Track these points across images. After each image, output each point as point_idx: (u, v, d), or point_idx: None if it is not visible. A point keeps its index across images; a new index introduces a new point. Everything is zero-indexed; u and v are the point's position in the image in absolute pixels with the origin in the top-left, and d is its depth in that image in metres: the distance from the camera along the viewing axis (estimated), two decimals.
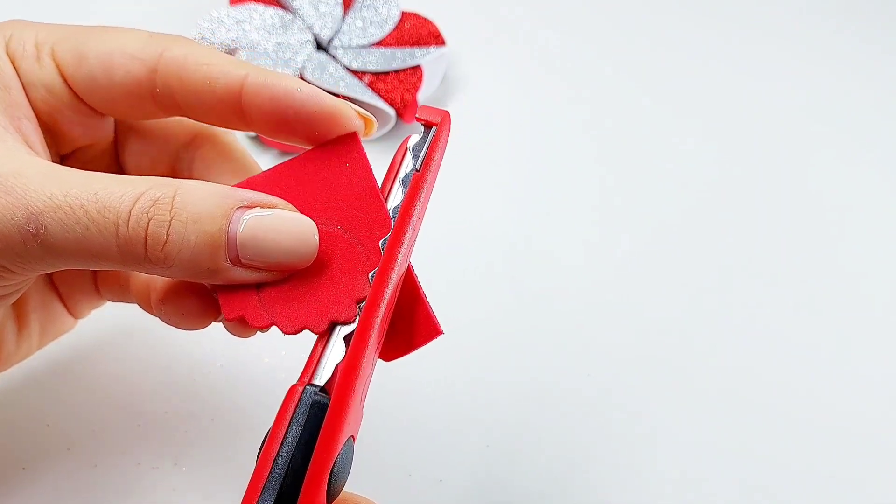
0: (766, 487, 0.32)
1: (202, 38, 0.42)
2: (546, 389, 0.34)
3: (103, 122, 0.26)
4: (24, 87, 0.24)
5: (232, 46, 0.42)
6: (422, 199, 0.23)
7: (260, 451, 0.20)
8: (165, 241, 0.21)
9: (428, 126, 0.24)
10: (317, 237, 0.22)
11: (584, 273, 0.38)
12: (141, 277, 0.26)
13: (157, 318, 0.25)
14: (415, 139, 0.24)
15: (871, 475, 0.33)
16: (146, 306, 0.27)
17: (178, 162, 0.27)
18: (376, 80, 0.42)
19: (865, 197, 0.43)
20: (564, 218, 0.41)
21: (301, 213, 0.23)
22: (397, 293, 0.23)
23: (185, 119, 0.27)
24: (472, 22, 0.49)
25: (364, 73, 0.42)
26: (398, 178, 0.24)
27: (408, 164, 0.24)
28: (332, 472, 0.20)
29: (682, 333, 0.36)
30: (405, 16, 0.45)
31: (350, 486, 0.30)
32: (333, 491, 0.20)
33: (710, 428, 0.34)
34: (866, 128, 0.46)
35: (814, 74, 0.49)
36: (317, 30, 0.44)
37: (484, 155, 0.43)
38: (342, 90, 0.41)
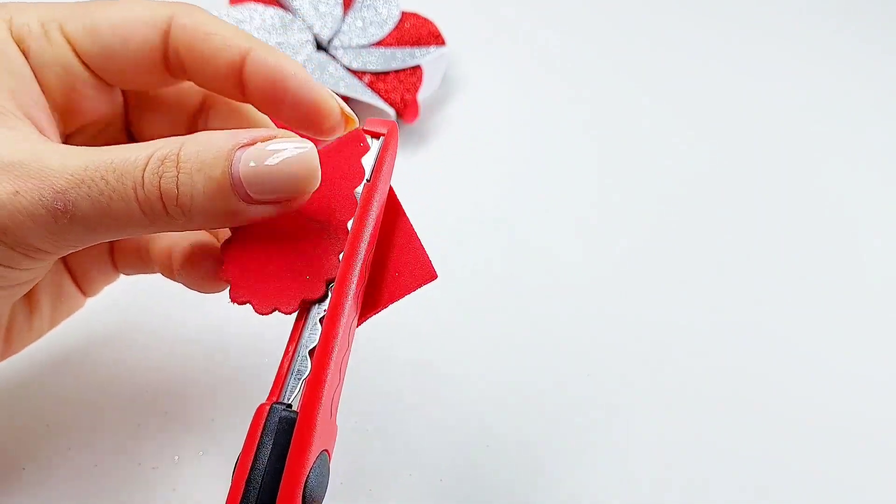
0: (767, 487, 0.32)
1: None
2: (546, 389, 0.34)
3: (114, 96, 0.27)
4: (35, 69, 0.24)
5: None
6: (374, 209, 0.24)
7: (233, 472, 0.21)
8: (178, 195, 0.21)
9: (375, 137, 0.25)
10: (317, 157, 0.23)
11: (584, 272, 0.38)
12: (162, 245, 0.27)
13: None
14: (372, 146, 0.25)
15: (872, 475, 0.33)
16: (168, 273, 0.27)
17: (193, 127, 0.28)
18: (376, 80, 0.42)
19: (865, 196, 0.43)
20: (564, 216, 0.41)
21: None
22: (364, 283, 0.23)
23: (194, 84, 0.27)
24: (472, 22, 0.49)
25: (364, 73, 0.42)
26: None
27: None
28: (305, 487, 0.20)
29: (683, 332, 0.36)
30: (405, 16, 0.45)
31: (350, 486, 0.30)
32: None
33: (710, 427, 0.34)
34: (866, 127, 0.46)
35: (813, 74, 0.49)
36: (317, 30, 0.44)
37: (484, 154, 0.43)
38: (342, 90, 0.41)
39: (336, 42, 0.44)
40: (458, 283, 0.37)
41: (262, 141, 0.22)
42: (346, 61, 0.43)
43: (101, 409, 0.32)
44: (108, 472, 0.30)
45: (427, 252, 0.24)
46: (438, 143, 0.43)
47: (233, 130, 0.23)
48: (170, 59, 0.25)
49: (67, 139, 0.27)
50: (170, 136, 0.27)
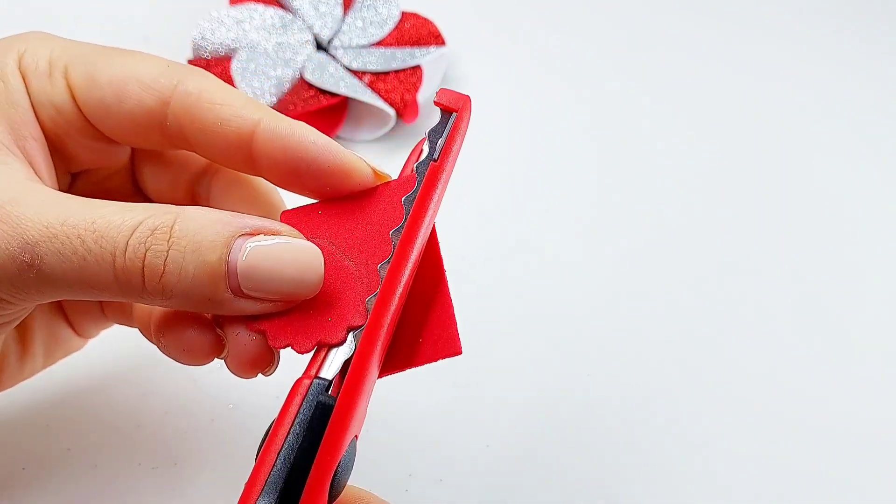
0: (767, 486, 0.32)
1: (202, 37, 0.42)
2: (546, 389, 0.34)
3: (114, 148, 0.25)
4: (33, 105, 0.23)
5: (232, 46, 0.42)
6: (438, 191, 0.21)
7: (260, 446, 0.20)
8: (163, 272, 0.20)
9: (447, 111, 0.22)
10: (322, 265, 0.21)
11: (584, 272, 0.38)
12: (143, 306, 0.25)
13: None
14: (432, 124, 0.22)
15: (872, 475, 0.33)
16: (147, 335, 0.25)
17: (196, 186, 0.26)
18: (376, 80, 0.42)
19: (865, 196, 0.43)
20: (564, 217, 0.41)
21: (313, 239, 0.22)
22: (405, 297, 0.22)
23: None
24: (472, 22, 0.49)
25: (364, 73, 0.42)
26: (411, 165, 0.23)
27: (424, 151, 0.22)
28: (335, 473, 0.19)
29: (683, 332, 0.36)
30: (405, 16, 0.45)
31: (350, 486, 0.30)
32: (336, 491, 0.20)
33: (710, 427, 0.34)
34: (866, 128, 0.46)
35: (813, 74, 0.49)
36: (317, 30, 0.44)
37: (484, 154, 0.43)
38: (342, 90, 0.41)
39: (336, 42, 0.44)
40: (457, 283, 0.37)
41: (266, 234, 0.21)
42: (346, 61, 0.43)
43: (101, 409, 0.32)
44: (108, 472, 0.30)
45: (457, 325, 0.22)
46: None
47: (236, 214, 0.21)
48: (169, 127, 0.23)
49: (74, 178, 0.26)
50: (171, 190, 0.26)
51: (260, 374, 0.23)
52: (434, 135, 0.22)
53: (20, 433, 0.31)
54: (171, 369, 0.33)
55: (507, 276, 0.38)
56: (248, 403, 0.32)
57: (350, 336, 0.21)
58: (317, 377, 0.20)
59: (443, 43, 0.44)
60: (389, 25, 0.44)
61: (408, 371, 0.22)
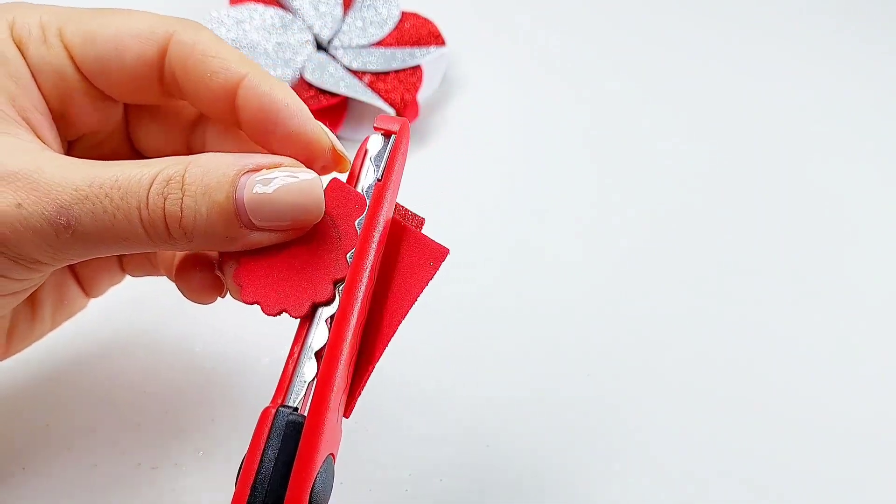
0: (767, 486, 0.32)
1: None
2: (545, 389, 0.34)
3: (113, 106, 0.26)
4: (33, 73, 0.24)
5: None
6: (384, 210, 0.23)
7: (238, 475, 0.20)
8: (181, 217, 0.21)
9: (387, 135, 0.24)
10: (323, 190, 0.23)
11: (584, 272, 0.38)
12: (166, 251, 0.27)
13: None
14: (374, 146, 0.24)
15: (872, 474, 0.33)
16: (171, 277, 0.27)
17: (192, 137, 0.27)
18: (376, 80, 0.42)
19: (865, 196, 0.43)
20: (564, 217, 0.41)
21: None
22: (372, 288, 0.23)
23: None
24: (472, 22, 0.49)
25: (364, 73, 0.42)
26: (359, 187, 0.24)
27: (368, 173, 0.24)
28: (312, 491, 0.20)
29: (682, 332, 0.36)
30: (405, 16, 0.45)
31: (350, 486, 0.30)
32: None
33: (710, 427, 0.34)
34: (866, 127, 0.46)
35: (813, 74, 0.49)
36: (317, 30, 0.44)
37: (484, 155, 0.43)
38: (342, 90, 0.41)
39: (336, 42, 0.44)
40: (457, 283, 0.37)
41: (268, 168, 0.22)
42: (346, 61, 0.43)
43: (101, 409, 0.32)
44: (108, 472, 0.30)
45: (430, 237, 0.24)
46: (438, 143, 0.43)
47: (238, 154, 0.22)
48: (165, 77, 0.24)
49: (70, 145, 0.26)
50: (167, 146, 0.27)
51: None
52: (377, 158, 0.24)
53: (20, 433, 0.31)
54: (171, 369, 0.33)
55: (506, 275, 0.38)
56: (248, 404, 0.32)
57: (336, 291, 0.22)
58: (282, 405, 0.21)
59: (443, 43, 0.44)
60: (389, 25, 0.44)
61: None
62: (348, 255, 0.23)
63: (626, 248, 0.40)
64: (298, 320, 0.23)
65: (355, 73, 0.42)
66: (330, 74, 0.42)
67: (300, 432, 0.20)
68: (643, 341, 0.36)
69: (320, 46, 0.44)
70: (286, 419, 0.21)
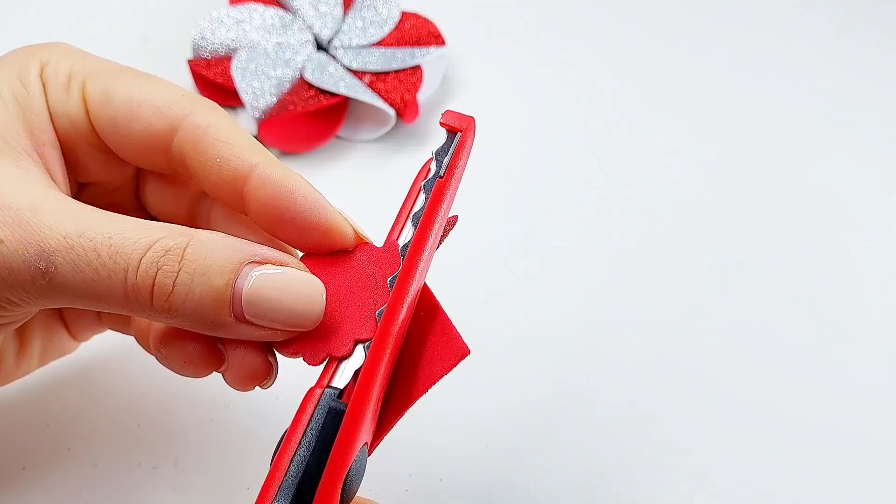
0: (768, 485, 0.32)
1: (202, 37, 0.42)
2: (546, 389, 0.34)
3: (122, 165, 0.26)
4: (49, 114, 0.24)
5: (232, 46, 0.42)
6: (444, 206, 0.22)
7: (275, 453, 0.20)
8: (171, 292, 0.21)
9: (452, 131, 0.23)
10: (324, 300, 0.22)
11: (584, 272, 0.38)
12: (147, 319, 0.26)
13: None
14: (438, 144, 0.23)
15: (872, 474, 0.33)
16: (145, 345, 0.26)
17: (198, 207, 0.27)
18: (376, 80, 0.42)
19: (867, 196, 0.43)
20: (565, 217, 0.41)
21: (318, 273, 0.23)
22: (412, 311, 0.22)
23: None
24: (472, 22, 0.49)
25: (364, 73, 0.42)
26: (420, 183, 0.23)
27: (431, 170, 0.23)
28: (346, 478, 0.20)
29: (684, 332, 0.36)
30: (405, 16, 0.45)
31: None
32: (346, 497, 0.20)
33: (711, 426, 0.34)
34: (868, 127, 0.46)
35: (813, 74, 0.49)
36: (317, 30, 0.44)
37: (483, 154, 0.43)
38: (342, 90, 0.41)
39: (336, 42, 0.44)
40: (457, 284, 0.37)
41: (273, 264, 0.22)
42: (346, 61, 0.43)
43: (101, 409, 0.32)
44: (108, 472, 0.30)
45: (457, 330, 0.23)
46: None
47: (245, 241, 0.22)
48: (173, 154, 0.24)
49: (81, 188, 0.26)
50: (172, 207, 0.27)
51: (258, 388, 0.24)
52: (440, 154, 0.23)
53: (20, 433, 0.31)
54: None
55: (507, 276, 0.38)
56: (248, 403, 0.32)
57: (359, 348, 0.22)
58: (328, 386, 0.21)
59: (443, 43, 0.44)
60: (389, 25, 0.44)
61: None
62: (389, 280, 0.22)
63: (626, 249, 0.40)
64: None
65: (355, 73, 0.42)
66: (330, 74, 0.41)
67: (340, 419, 0.20)
68: (644, 341, 0.36)
69: (320, 46, 0.44)
70: (329, 405, 0.21)
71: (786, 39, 0.51)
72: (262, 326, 0.22)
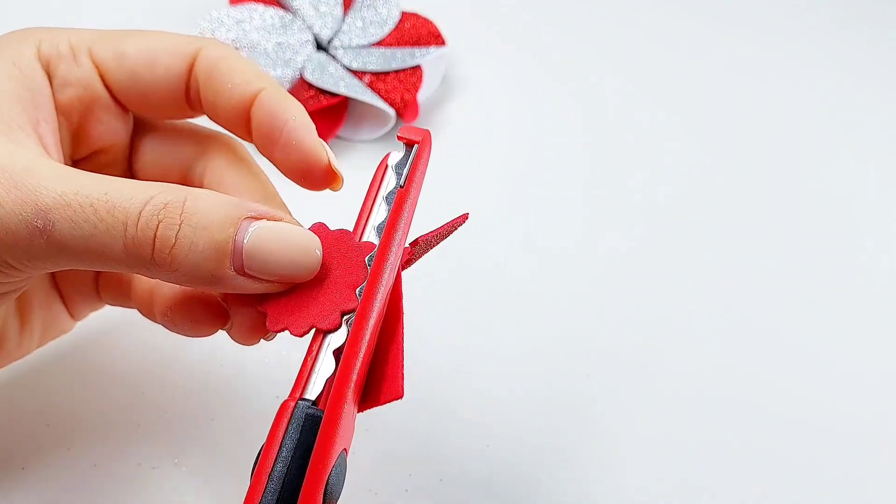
0: (769, 486, 0.32)
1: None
2: (546, 389, 0.34)
3: (126, 124, 0.27)
4: (57, 89, 0.25)
5: (232, 46, 0.42)
6: (405, 215, 0.23)
7: (254, 466, 0.21)
8: (174, 245, 0.21)
9: (409, 144, 0.24)
10: (319, 251, 0.23)
11: (584, 272, 0.38)
12: (144, 284, 0.27)
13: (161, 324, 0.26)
14: (395, 157, 0.25)
15: (872, 474, 0.33)
16: (148, 313, 0.27)
17: (189, 172, 0.27)
18: (376, 80, 0.42)
19: (869, 196, 0.43)
20: (565, 216, 0.41)
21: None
22: (381, 319, 0.23)
23: (199, 128, 0.27)
24: (472, 22, 0.49)
25: (364, 73, 0.42)
26: (380, 195, 0.24)
27: (390, 182, 0.25)
28: (327, 485, 0.20)
29: (685, 333, 0.36)
30: (405, 16, 0.45)
31: (350, 485, 0.30)
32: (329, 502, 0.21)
33: (711, 426, 0.34)
34: (869, 127, 0.46)
35: (813, 73, 0.49)
36: (317, 30, 0.44)
37: (483, 155, 0.43)
38: (342, 90, 0.41)
39: (336, 42, 0.44)
40: (457, 284, 0.37)
41: (269, 219, 0.22)
42: (346, 61, 0.43)
43: (101, 409, 0.32)
44: (108, 472, 0.30)
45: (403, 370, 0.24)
46: (438, 144, 0.42)
47: (240, 199, 0.23)
48: (191, 90, 0.25)
49: (77, 165, 0.27)
50: (163, 176, 0.27)
51: (262, 341, 0.25)
52: (399, 166, 0.24)
53: (20, 433, 0.31)
54: (171, 369, 0.33)
55: (507, 275, 0.38)
56: (248, 404, 0.32)
57: (343, 321, 0.22)
58: (301, 399, 0.21)
59: (443, 43, 0.44)
60: (389, 25, 0.44)
61: (407, 371, 0.23)
62: (358, 290, 0.23)
63: (627, 249, 0.40)
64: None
65: (355, 73, 0.42)
66: (330, 74, 0.42)
67: (317, 426, 0.20)
68: (644, 342, 0.36)
69: (320, 46, 0.44)
70: (305, 412, 0.21)
71: (786, 39, 0.51)
72: (260, 278, 0.22)
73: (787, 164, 0.44)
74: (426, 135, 0.25)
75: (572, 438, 0.33)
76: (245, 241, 0.22)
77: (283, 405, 0.21)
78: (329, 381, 0.22)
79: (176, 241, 0.21)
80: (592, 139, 0.44)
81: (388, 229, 0.23)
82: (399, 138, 0.25)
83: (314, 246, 0.23)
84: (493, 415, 0.33)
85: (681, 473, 0.32)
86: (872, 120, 0.47)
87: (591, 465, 0.32)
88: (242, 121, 0.25)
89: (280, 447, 0.20)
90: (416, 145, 0.24)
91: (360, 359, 0.21)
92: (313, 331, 0.23)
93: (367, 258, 0.23)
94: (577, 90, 0.46)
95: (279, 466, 0.20)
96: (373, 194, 0.25)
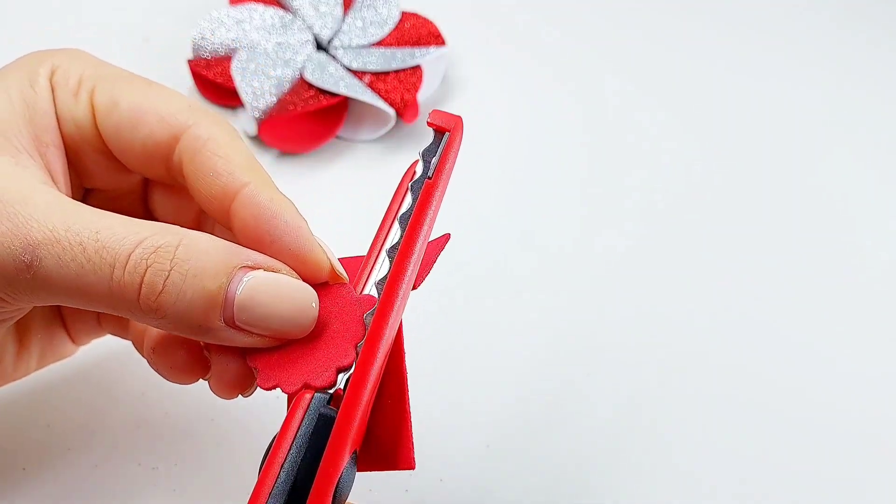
0: (769, 485, 0.32)
1: (202, 38, 0.42)
2: (546, 388, 0.34)
3: (127, 172, 0.26)
4: (57, 117, 0.24)
5: (232, 46, 0.42)
6: (433, 209, 0.22)
7: (263, 460, 0.20)
8: (161, 292, 0.20)
9: (440, 131, 0.22)
10: (316, 306, 0.22)
11: (584, 272, 0.38)
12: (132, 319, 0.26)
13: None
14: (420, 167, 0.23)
15: (873, 474, 0.33)
16: (140, 349, 0.26)
17: (205, 215, 0.26)
18: (376, 80, 0.42)
19: (866, 194, 0.43)
20: (565, 216, 0.41)
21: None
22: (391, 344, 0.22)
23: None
24: (472, 22, 0.49)
25: (364, 73, 0.42)
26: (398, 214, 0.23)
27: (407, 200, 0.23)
28: (336, 486, 0.20)
29: (684, 333, 0.36)
30: (405, 16, 0.45)
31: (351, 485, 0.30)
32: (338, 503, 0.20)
33: (711, 426, 0.34)
34: (869, 127, 0.46)
35: (813, 73, 0.49)
36: (317, 30, 0.44)
37: (483, 155, 0.43)
38: (342, 90, 0.41)
39: (336, 42, 0.44)
40: (457, 284, 0.37)
41: (266, 270, 0.21)
42: (346, 61, 0.43)
43: (101, 409, 0.32)
44: (108, 472, 0.30)
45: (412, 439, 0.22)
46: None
47: (238, 246, 0.21)
48: (173, 163, 0.24)
49: (87, 194, 0.26)
50: (177, 214, 0.26)
51: (240, 396, 0.24)
52: (428, 154, 0.22)
53: (20, 433, 0.31)
54: None
55: (506, 275, 0.38)
56: (248, 404, 0.32)
57: (340, 377, 0.21)
58: (319, 390, 0.21)
59: (443, 43, 0.44)
60: (389, 25, 0.44)
61: (408, 365, 0.22)
62: (357, 345, 0.22)
63: (627, 248, 0.40)
64: None
65: (355, 73, 0.42)
66: (330, 74, 0.41)
67: (331, 426, 0.20)
68: (644, 341, 0.36)
69: (320, 46, 0.44)
70: (319, 411, 0.20)
71: (786, 39, 0.51)
72: (251, 332, 0.21)
73: (786, 163, 0.44)
74: (458, 122, 0.22)
75: (572, 438, 0.33)
76: (238, 293, 0.20)
77: (300, 395, 0.20)
78: (347, 379, 0.21)
79: (164, 287, 0.20)
80: (592, 139, 0.44)
81: (413, 224, 0.21)
82: (429, 124, 0.22)
83: (310, 300, 0.22)
84: (492, 414, 0.33)
85: (681, 471, 0.32)
86: (871, 120, 0.47)
87: (591, 464, 0.32)
88: (222, 212, 0.23)
89: (291, 444, 0.20)
90: (447, 133, 0.22)
91: (377, 366, 0.20)
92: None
93: (365, 315, 0.22)
94: (576, 90, 0.46)
95: (289, 464, 0.20)
96: (404, 187, 0.23)
